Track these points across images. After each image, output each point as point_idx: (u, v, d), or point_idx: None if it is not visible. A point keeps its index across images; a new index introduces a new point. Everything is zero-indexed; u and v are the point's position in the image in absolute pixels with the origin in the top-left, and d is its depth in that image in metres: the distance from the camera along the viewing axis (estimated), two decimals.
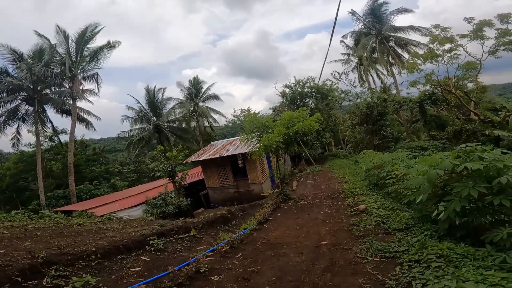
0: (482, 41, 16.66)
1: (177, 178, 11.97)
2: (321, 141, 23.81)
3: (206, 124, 38.32)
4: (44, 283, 3.55)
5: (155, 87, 35.25)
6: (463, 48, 17.72)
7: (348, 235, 5.45)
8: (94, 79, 23.60)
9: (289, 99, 27.28)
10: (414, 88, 25.57)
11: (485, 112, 18.42)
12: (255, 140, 10.38)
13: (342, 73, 31.96)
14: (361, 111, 20.40)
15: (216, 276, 4.09)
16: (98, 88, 24.08)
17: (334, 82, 30.13)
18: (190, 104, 37.13)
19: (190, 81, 38.27)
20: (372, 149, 18.11)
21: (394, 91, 29.72)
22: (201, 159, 16.02)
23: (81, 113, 25.37)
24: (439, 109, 26.71)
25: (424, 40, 27.77)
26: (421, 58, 18.26)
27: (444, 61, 17.44)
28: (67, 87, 23.14)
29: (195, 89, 37.36)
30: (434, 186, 4.53)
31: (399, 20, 30.44)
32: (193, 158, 17.14)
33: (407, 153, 12.86)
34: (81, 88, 22.61)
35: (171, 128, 36.20)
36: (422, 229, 4.87)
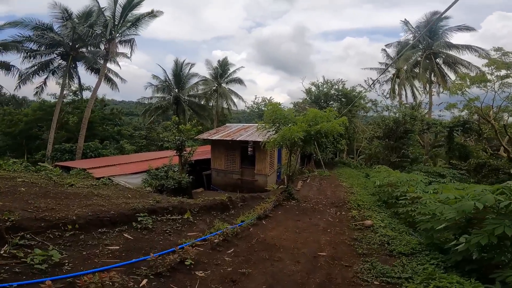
0: None
1: (184, 152, 11.76)
2: (336, 146, 23.11)
3: (225, 105, 38.39)
4: (2, 252, 3.09)
5: (183, 61, 35.35)
6: None
7: (350, 251, 5.06)
8: (129, 44, 24.44)
9: (313, 97, 26.53)
10: (448, 111, 24.47)
11: None
12: (273, 130, 9.96)
13: (376, 80, 30.69)
14: (387, 124, 19.49)
15: (201, 272, 3.72)
16: (131, 53, 25.11)
17: (365, 89, 29.04)
18: (213, 83, 37.32)
19: (218, 61, 38.35)
20: (387, 165, 17.40)
21: (424, 111, 28.38)
22: (213, 138, 15.77)
23: (109, 74, 26.50)
24: (467, 139, 25.38)
25: (478, 62, 26.31)
26: (469, 80, 17.07)
27: (494, 88, 16.27)
28: (103, 48, 23.85)
29: (221, 70, 37.47)
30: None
31: (456, 38, 28.59)
32: (205, 135, 16.92)
33: (424, 176, 12.20)
34: (115, 50, 23.23)
35: (189, 102, 36.42)
36: (428, 257, 4.45)
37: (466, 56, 27.59)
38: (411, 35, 30.57)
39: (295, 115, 10.37)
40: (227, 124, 20.44)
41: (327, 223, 7.23)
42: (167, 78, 35.28)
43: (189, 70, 35.87)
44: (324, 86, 26.76)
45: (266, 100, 30.75)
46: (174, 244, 4.42)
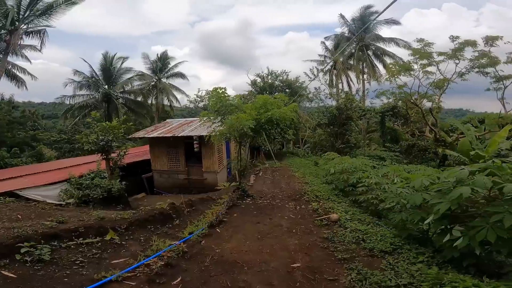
0: (458, 61, 17.26)
1: (113, 155, 9.69)
2: (284, 136, 23.01)
3: (166, 102, 35.57)
4: None
5: (115, 55, 31.49)
6: (437, 66, 18.31)
7: (326, 256, 4.27)
8: (38, 36, 20.10)
9: (258, 89, 25.97)
10: (378, 99, 26.58)
11: (440, 132, 19.34)
12: (218, 121, 8.73)
13: (321, 70, 31.63)
14: (331, 111, 19.95)
15: None
16: (41, 46, 20.68)
17: (310, 77, 29.61)
18: (152, 78, 34.36)
19: (157, 54, 35.48)
20: (333, 152, 17.79)
21: (358, 99, 30.34)
22: (150, 136, 13.75)
23: (14, 70, 21.74)
24: (395, 123, 28.01)
25: (401, 53, 29.01)
26: (398, 68, 18.34)
27: (418, 76, 17.75)
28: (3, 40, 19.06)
29: (161, 63, 34.48)
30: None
31: (384, 31, 31.16)
32: (141, 133, 14.73)
33: (368, 160, 12.56)
34: (18, 43, 18.74)
35: (124, 99, 32.63)
36: (413, 253, 3.91)
37: (392, 48, 30.42)
38: (346, 29, 32.30)
39: (242, 102, 9.31)
40: (167, 120, 18.37)
41: (290, 221, 6.42)
42: (94, 73, 30.79)
43: (121, 64, 31.98)
44: (269, 77, 26.47)
45: (211, 93, 29.15)
46: (88, 280, 2.97)
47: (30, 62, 22.96)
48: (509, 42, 15.97)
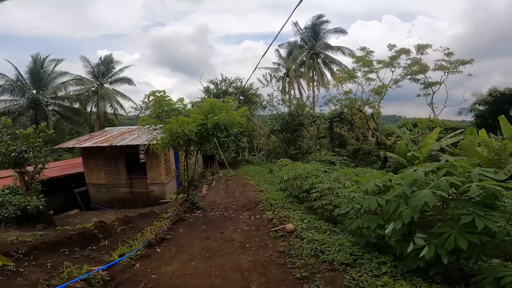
0: (394, 69, 18.88)
1: (29, 168, 7.95)
2: (238, 144, 22.52)
3: (109, 109, 32.28)
4: None
5: (47, 57, 27.91)
6: (377, 74, 19.84)
7: (284, 274, 3.74)
8: None
9: (211, 96, 25.13)
10: (327, 106, 27.98)
11: (381, 136, 20.86)
12: (159, 128, 7.77)
13: (273, 76, 32.01)
14: (283, 118, 20.10)
15: None
16: None
17: (264, 84, 29.82)
18: (92, 83, 31.06)
19: (101, 58, 32.18)
20: (286, 158, 17.85)
21: (308, 106, 31.56)
22: (82, 146, 11.92)
23: None
24: (342, 129, 29.75)
25: (347, 61, 31.10)
26: (345, 75, 19.37)
27: (361, 83, 18.96)
28: None
29: (105, 67, 31.32)
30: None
31: (332, 41, 32.94)
32: (71, 143, 12.71)
33: (320, 165, 12.74)
34: None
35: (56, 105, 28.77)
36: (375, 263, 3.60)
37: (339, 57, 32.52)
38: (299, 36, 33.63)
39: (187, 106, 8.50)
40: (106, 129, 16.39)
41: (244, 234, 5.81)
42: (19, 76, 26.61)
43: (54, 67, 28.26)
44: (223, 84, 25.87)
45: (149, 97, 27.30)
46: None
47: None
48: (437, 49, 18.00)
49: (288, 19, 7.43)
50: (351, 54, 25.93)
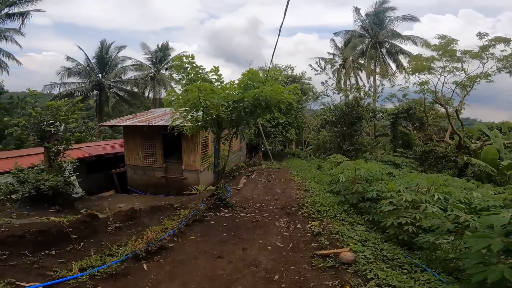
0: (486, 60, 14.87)
1: (55, 142, 7.39)
2: (285, 136, 20.59)
3: (164, 94, 33.82)
4: None
5: (112, 43, 29.61)
6: (462, 65, 15.91)
7: None
8: (21, 18, 19.65)
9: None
10: (389, 101, 24.39)
11: (465, 138, 16.81)
12: (191, 105, 6.39)
13: (328, 62, 29.20)
14: (340, 108, 17.43)
15: None
16: (20, 28, 20.23)
17: (317, 71, 27.35)
18: (150, 69, 32.61)
19: (158, 45, 33.31)
20: (339, 154, 15.42)
21: (368, 100, 27.91)
22: (122, 124, 11.45)
23: None
24: (407, 127, 25.49)
25: (417, 53, 26.67)
26: (422, 61, 15.94)
27: (443, 72, 15.38)
28: None
29: (162, 53, 32.73)
30: None
31: (400, 28, 28.61)
32: (113, 121, 12.46)
33: (382, 166, 10.18)
34: None
35: (117, 88, 30.79)
36: None
37: (408, 47, 27.84)
38: (359, 24, 29.75)
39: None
40: (152, 109, 16.11)
41: (275, 255, 4.06)
42: (88, 61, 28.92)
43: (117, 53, 30.14)
44: (273, 72, 24.07)
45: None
46: None
47: (21, 47, 21.91)
48: None
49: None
50: (426, 43, 21.58)
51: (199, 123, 6.31)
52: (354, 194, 6.74)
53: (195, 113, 6.34)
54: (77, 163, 9.36)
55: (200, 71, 5.95)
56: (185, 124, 6.96)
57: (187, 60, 5.73)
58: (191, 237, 4.50)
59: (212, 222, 5.42)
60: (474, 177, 14.88)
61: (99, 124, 12.16)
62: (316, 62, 28.78)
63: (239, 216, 6.16)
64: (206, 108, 5.29)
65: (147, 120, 12.09)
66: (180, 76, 6.07)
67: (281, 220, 6.13)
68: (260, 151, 20.10)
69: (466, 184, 7.24)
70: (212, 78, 6.24)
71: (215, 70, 6.05)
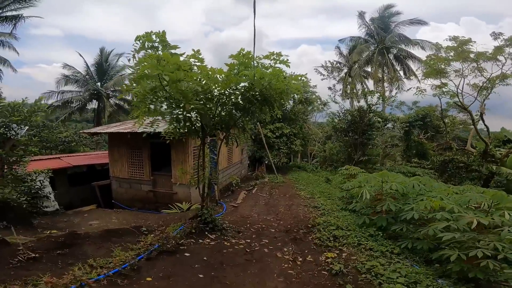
0: (505, 60, 13.46)
1: (12, 147, 6.03)
2: (290, 147, 19.05)
3: None
4: None
5: (111, 51, 29.05)
6: (477, 66, 14.48)
7: None
8: (12, 23, 18.99)
9: None
10: (398, 110, 23.20)
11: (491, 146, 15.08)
12: (163, 104, 5.00)
13: (336, 64, 27.99)
14: (350, 114, 15.90)
15: None
16: (11, 31, 19.37)
17: (324, 75, 26.18)
18: None
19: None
20: (352, 165, 13.80)
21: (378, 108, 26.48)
22: (104, 131, 10.13)
23: None
24: (419, 136, 23.87)
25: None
26: (437, 62, 14.57)
27: (463, 74, 13.97)
28: None
29: None
30: None
31: (407, 33, 27.29)
32: (95, 129, 11.12)
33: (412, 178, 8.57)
34: None
35: (116, 98, 29.90)
36: None
37: (416, 52, 26.56)
38: (364, 30, 28.72)
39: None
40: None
41: None
42: (88, 69, 28.27)
43: (117, 61, 29.37)
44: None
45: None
46: None
47: (18, 53, 21.19)
48: None
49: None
50: (437, 46, 20.30)
51: (168, 118, 4.90)
52: (380, 213, 5.12)
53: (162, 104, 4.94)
54: (50, 174, 8.10)
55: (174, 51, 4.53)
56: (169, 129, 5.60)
57: (158, 39, 4.32)
58: (147, 278, 2.95)
59: (187, 255, 3.84)
60: (503, 188, 13.12)
61: (80, 132, 10.87)
62: (322, 65, 27.67)
63: (228, 244, 4.58)
64: (171, 94, 3.84)
65: (135, 127, 10.76)
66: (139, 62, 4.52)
67: (285, 249, 4.54)
68: (263, 164, 18.56)
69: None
70: (193, 65, 4.82)
71: (195, 54, 4.59)
